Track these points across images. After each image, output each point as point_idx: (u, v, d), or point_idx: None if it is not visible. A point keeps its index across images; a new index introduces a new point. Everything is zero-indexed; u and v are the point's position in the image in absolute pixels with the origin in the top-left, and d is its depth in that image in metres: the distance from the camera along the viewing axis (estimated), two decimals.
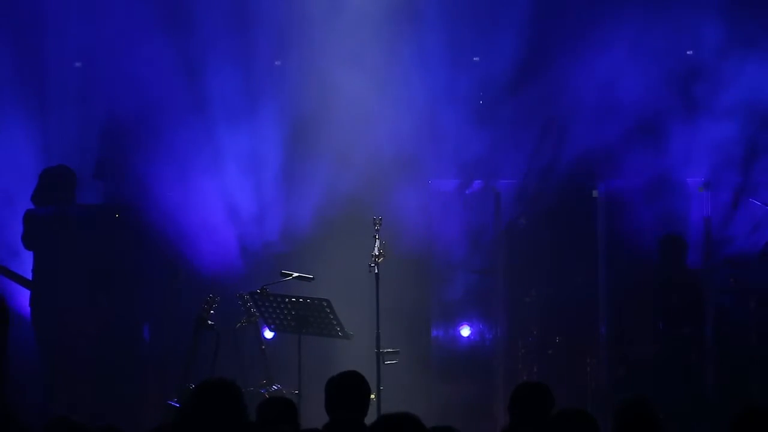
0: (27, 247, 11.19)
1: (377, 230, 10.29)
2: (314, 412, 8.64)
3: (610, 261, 12.42)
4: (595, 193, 12.45)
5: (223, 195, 12.59)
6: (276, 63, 12.57)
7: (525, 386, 6.94)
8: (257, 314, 10.69)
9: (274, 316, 10.61)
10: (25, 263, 11.35)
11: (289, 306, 10.49)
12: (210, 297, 10.72)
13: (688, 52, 12.49)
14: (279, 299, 10.51)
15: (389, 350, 10.26)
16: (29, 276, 11.27)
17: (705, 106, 12.35)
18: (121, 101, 12.25)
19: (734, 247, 12.39)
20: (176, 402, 10.35)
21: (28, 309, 11.23)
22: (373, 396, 7.63)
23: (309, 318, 10.42)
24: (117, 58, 12.16)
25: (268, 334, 11.13)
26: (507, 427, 6.85)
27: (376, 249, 10.23)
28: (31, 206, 11.37)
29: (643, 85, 12.42)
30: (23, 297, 11.35)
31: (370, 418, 6.71)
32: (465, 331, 12.76)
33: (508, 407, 6.80)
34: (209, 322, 10.63)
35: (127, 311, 11.96)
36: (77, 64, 12.47)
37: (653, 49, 12.34)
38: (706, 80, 12.35)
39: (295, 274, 10.74)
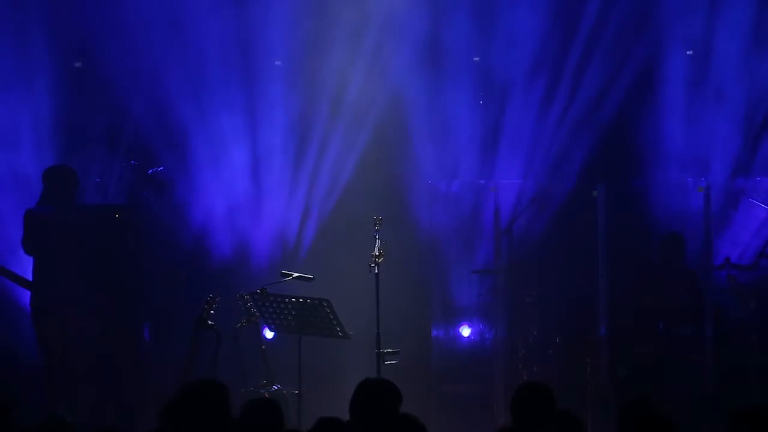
0: (27, 250, 11.13)
1: (377, 230, 10.29)
2: (314, 412, 8.64)
3: (610, 261, 12.41)
4: (595, 193, 12.43)
5: (223, 194, 12.61)
6: (276, 63, 12.57)
7: (527, 387, 6.93)
8: (257, 314, 10.68)
9: (274, 316, 10.61)
10: (25, 263, 11.33)
11: (289, 306, 10.48)
12: (210, 297, 10.71)
13: (688, 52, 12.49)
14: (279, 299, 10.51)
15: (389, 350, 10.26)
16: (29, 276, 11.24)
17: (706, 104, 12.35)
18: (126, 98, 12.31)
19: (734, 247, 12.38)
20: None
21: (28, 309, 11.21)
22: None
23: (309, 318, 10.42)
24: (123, 59, 12.22)
25: (268, 334, 11.13)
26: (506, 426, 6.84)
27: (376, 249, 10.23)
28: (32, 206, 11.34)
29: (642, 84, 12.43)
30: (23, 297, 11.33)
31: None
32: (465, 331, 12.76)
33: (510, 407, 6.79)
34: (209, 322, 10.62)
35: (127, 311, 11.95)
36: (77, 64, 12.48)
37: (649, 47, 12.35)
38: (704, 78, 12.35)
39: (295, 274, 10.74)
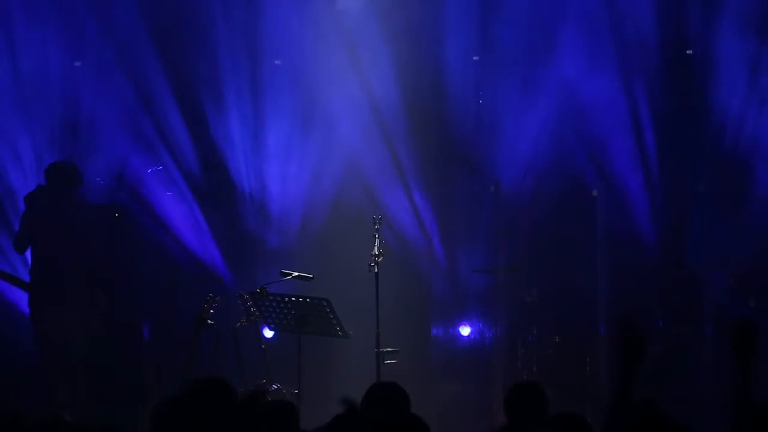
0: (20, 250, 11.09)
1: (377, 229, 10.29)
2: (314, 411, 8.65)
3: (610, 261, 12.41)
4: (595, 193, 12.44)
5: (223, 193, 12.62)
6: (276, 62, 12.58)
7: (519, 387, 6.91)
8: (257, 313, 10.69)
9: (273, 315, 10.60)
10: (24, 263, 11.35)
11: (288, 305, 10.48)
12: (210, 297, 10.72)
13: (688, 52, 12.49)
14: (279, 298, 10.51)
15: (389, 350, 10.27)
16: (27, 277, 11.23)
17: (705, 104, 12.36)
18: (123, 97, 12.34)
19: (734, 246, 12.38)
20: None
21: (26, 310, 11.21)
22: None
23: (309, 317, 10.41)
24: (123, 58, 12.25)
25: (268, 334, 11.13)
26: (501, 427, 6.83)
27: (375, 248, 10.23)
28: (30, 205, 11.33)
29: (641, 84, 12.44)
30: (22, 298, 11.33)
31: None
32: (465, 331, 12.76)
33: (504, 408, 6.78)
34: (209, 321, 10.63)
35: (127, 311, 11.95)
36: (77, 64, 12.48)
37: (648, 47, 12.36)
38: (702, 78, 12.36)
39: (295, 274, 10.74)
